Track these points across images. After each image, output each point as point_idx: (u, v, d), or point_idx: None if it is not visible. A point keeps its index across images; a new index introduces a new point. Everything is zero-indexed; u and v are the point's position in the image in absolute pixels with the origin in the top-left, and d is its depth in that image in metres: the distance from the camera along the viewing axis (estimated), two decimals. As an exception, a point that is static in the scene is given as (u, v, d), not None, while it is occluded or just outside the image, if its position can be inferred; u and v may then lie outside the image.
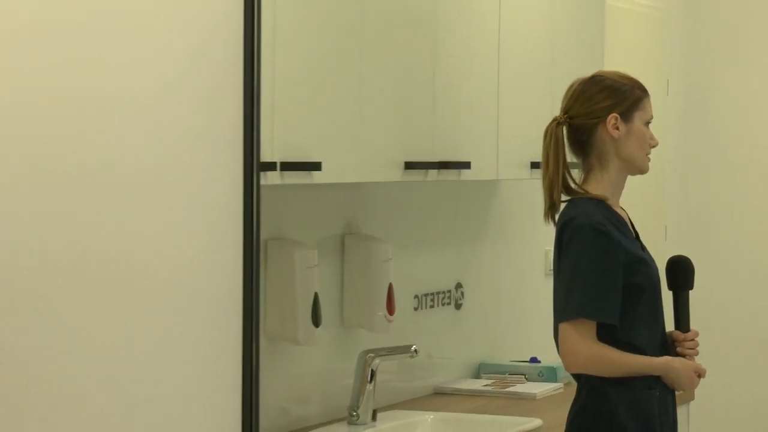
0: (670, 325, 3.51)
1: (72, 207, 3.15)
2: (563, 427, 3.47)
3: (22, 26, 3.22)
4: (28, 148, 3.15)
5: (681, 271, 3.54)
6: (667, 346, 3.47)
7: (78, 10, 3.16)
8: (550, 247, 3.48)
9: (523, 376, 4.29)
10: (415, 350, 3.82)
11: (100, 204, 3.14)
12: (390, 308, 3.87)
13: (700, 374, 3.48)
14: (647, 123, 3.48)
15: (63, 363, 3.18)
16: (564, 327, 3.35)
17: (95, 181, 3.15)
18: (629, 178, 3.50)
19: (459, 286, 4.21)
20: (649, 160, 3.47)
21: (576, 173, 3.47)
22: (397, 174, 3.76)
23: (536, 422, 3.86)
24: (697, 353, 3.49)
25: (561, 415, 3.50)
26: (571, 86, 3.50)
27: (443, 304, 4.15)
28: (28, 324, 3.16)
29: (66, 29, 3.18)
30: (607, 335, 3.35)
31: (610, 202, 3.43)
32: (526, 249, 4.36)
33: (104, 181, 3.14)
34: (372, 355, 3.78)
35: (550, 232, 3.47)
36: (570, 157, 3.47)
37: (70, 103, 3.16)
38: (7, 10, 3.17)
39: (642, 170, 3.47)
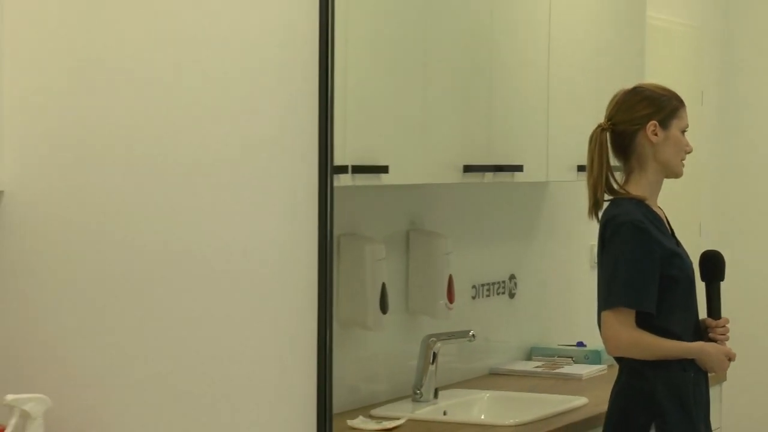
0: (703, 313, 3.51)
1: (174, 207, 3.27)
2: (606, 405, 3.48)
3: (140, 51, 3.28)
4: (152, 158, 3.31)
5: (713, 264, 3.54)
6: (700, 332, 3.47)
7: (178, 38, 3.27)
8: (594, 242, 3.47)
9: (571, 359, 4.30)
10: (473, 335, 3.85)
11: (198, 203, 3.24)
12: (450, 297, 3.88)
13: (730, 357, 3.49)
14: (683, 131, 3.48)
15: (169, 336, 3.29)
16: (606, 315, 3.36)
17: (195, 182, 3.24)
18: (666, 180, 3.50)
19: (512, 277, 4.22)
20: (683, 165, 3.48)
21: (618, 175, 3.48)
22: (456, 176, 3.78)
23: (582, 400, 3.87)
24: (727, 338, 3.50)
25: (604, 394, 3.51)
26: (615, 96, 3.51)
27: (498, 294, 4.16)
28: (145, 304, 3.32)
29: (168, 52, 3.28)
30: (645, 322, 3.36)
31: (649, 201, 3.43)
32: (573, 244, 4.37)
33: (202, 183, 3.23)
34: (434, 339, 3.80)
35: (594, 228, 3.47)
36: (612, 161, 3.47)
37: (173, 117, 3.26)
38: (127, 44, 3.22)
39: (676, 174, 3.48)
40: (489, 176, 3.88)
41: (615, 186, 3.45)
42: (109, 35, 3.31)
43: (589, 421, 3.74)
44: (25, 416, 3.18)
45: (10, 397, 3.19)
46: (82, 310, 3.33)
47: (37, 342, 3.38)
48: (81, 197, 3.34)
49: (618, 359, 3.46)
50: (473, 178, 3.83)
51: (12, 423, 3.18)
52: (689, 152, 3.50)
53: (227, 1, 3.20)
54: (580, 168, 3.65)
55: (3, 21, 3.38)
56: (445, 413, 3.78)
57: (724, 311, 3.51)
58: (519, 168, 3.95)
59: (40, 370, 3.36)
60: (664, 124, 3.45)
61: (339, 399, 3.22)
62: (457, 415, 3.79)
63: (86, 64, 3.34)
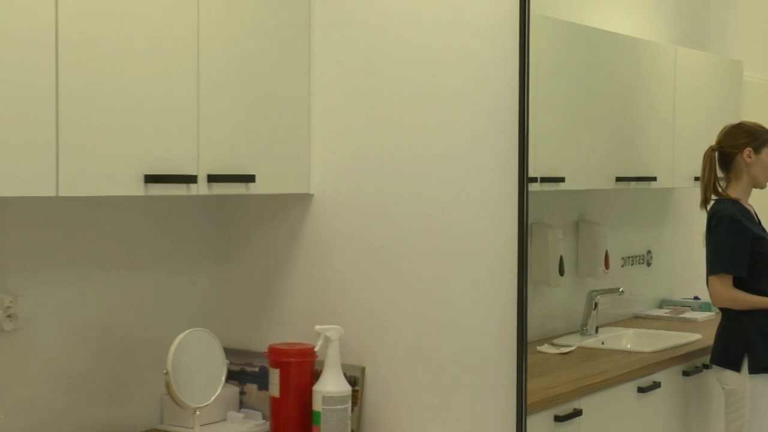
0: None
1: (425, 204, 3.30)
2: (713, 340, 3.50)
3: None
4: (410, 171, 3.32)
5: None
6: (780, 290, 3.45)
7: (430, 87, 3.29)
8: (704, 228, 3.47)
9: (689, 308, 4.11)
10: (622, 291, 3.86)
11: (440, 204, 3.28)
12: (606, 265, 3.83)
13: None
14: None
15: (419, 289, 3.31)
16: (712, 278, 3.38)
17: (439, 189, 3.27)
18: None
19: (649, 252, 4.09)
20: (767, 179, 3.43)
21: (721, 182, 3.47)
22: (611, 184, 3.76)
23: (697, 336, 3.80)
24: None
25: (712, 332, 3.52)
26: (723, 128, 3.49)
27: (639, 263, 4.04)
28: (404, 267, 3.35)
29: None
30: (740, 283, 3.35)
31: (742, 201, 3.42)
32: (690, 229, 4.12)
33: (444, 190, 3.26)
34: (595, 293, 3.79)
35: (704, 219, 3.47)
36: (718, 173, 3.46)
37: (424, 145, 3.30)
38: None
39: (761, 186, 3.43)
40: (633, 184, 3.83)
41: (719, 190, 3.45)
42: (384, 81, 3.37)
43: (701, 351, 3.69)
44: (327, 340, 3.32)
45: (317, 327, 3.35)
46: (365, 270, 3.43)
47: (336, 291, 3.50)
48: (365, 196, 3.43)
49: (721, 309, 3.45)
50: (622, 185, 3.79)
51: (318, 344, 3.34)
52: None
53: (453, 61, 3.23)
54: (696, 178, 3.61)
55: (313, 68, 3.48)
56: (602, 343, 3.77)
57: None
58: (653, 179, 3.90)
59: (337, 309, 3.48)
60: (757, 150, 3.42)
61: (531, 332, 3.21)
62: (611, 345, 3.78)
63: (368, 103, 3.41)
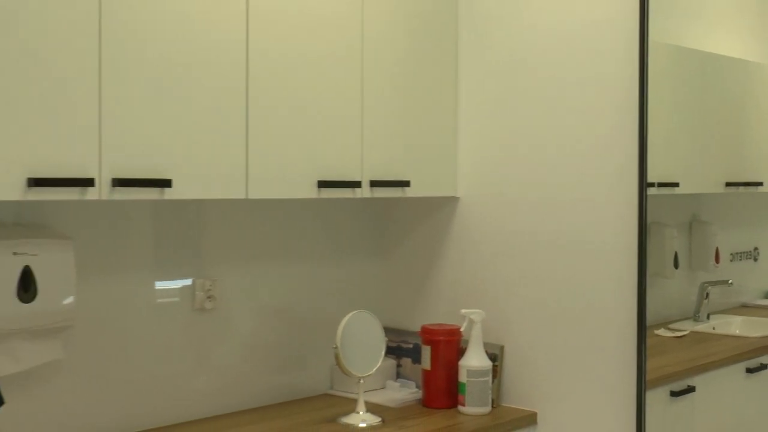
0: None
1: (557, 206, 3.29)
2: None
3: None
4: (541, 177, 3.30)
5: None
6: None
7: (560, 104, 3.26)
8: None
9: None
10: (731, 282, 3.76)
11: (573, 207, 3.25)
12: (716, 260, 3.75)
13: None
14: None
15: (549, 278, 3.30)
16: None
17: (569, 195, 3.25)
18: None
19: (756, 248, 3.95)
20: None
21: None
22: (721, 189, 3.68)
23: None
24: None
25: None
26: None
27: (747, 259, 3.91)
28: (536, 260, 3.32)
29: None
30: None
31: None
32: None
33: (575, 195, 3.24)
34: (707, 284, 3.71)
35: None
36: None
37: (554, 159, 3.27)
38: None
39: None
40: (741, 188, 3.75)
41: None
42: (521, 97, 3.36)
43: (803, 335, 3.64)
44: (471, 322, 3.35)
45: (463, 310, 3.38)
46: (504, 263, 3.44)
47: (479, 280, 3.52)
48: (504, 199, 3.43)
49: (822, 299, 3.37)
50: (731, 189, 3.71)
51: (464, 325, 3.37)
52: None
53: (583, 79, 3.22)
54: (795, 184, 3.54)
55: (459, 84, 3.50)
56: (713, 328, 3.70)
57: None
58: (760, 183, 3.79)
59: (480, 295, 3.50)
60: None
61: (649, 318, 3.18)
62: (721, 330, 3.71)
63: (507, 116, 3.41)
